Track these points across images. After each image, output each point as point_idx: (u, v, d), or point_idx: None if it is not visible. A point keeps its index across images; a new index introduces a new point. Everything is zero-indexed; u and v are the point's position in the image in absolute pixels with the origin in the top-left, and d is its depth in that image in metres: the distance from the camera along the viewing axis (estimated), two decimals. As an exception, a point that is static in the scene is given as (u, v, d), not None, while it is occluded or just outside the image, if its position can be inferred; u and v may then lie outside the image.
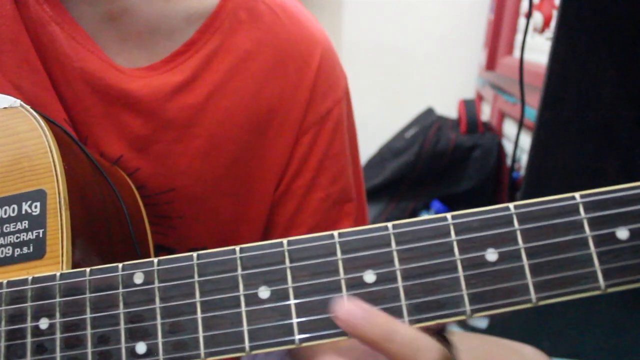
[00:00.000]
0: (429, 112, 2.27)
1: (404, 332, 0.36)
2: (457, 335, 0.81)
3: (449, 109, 2.29)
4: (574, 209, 0.36)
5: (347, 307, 0.37)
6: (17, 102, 0.53)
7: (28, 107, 0.53)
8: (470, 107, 2.12)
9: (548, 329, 1.38)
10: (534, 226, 0.36)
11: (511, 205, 0.37)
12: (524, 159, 1.75)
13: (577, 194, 0.36)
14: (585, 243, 0.35)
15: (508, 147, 2.02)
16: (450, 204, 2.03)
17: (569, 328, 1.38)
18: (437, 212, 2.01)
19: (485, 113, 2.29)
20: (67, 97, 0.62)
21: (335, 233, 0.39)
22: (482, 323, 1.56)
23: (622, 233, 0.35)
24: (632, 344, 1.37)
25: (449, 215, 0.38)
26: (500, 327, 1.38)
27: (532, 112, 1.44)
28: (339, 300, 0.37)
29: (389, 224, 0.38)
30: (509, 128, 2.04)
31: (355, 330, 0.36)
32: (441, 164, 2.01)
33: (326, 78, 0.71)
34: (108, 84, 0.62)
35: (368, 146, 2.19)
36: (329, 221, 0.72)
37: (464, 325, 1.58)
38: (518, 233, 0.37)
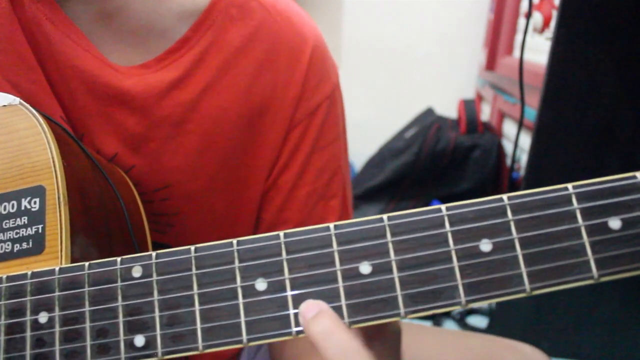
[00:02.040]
0: (429, 112, 2.27)
1: (340, 335, 0.37)
2: (456, 334, 0.81)
3: (449, 109, 2.29)
4: (566, 200, 0.36)
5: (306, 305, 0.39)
6: (16, 99, 0.53)
7: (27, 104, 0.53)
8: (470, 107, 2.12)
9: (548, 329, 1.38)
10: (528, 217, 0.37)
11: (505, 196, 0.37)
12: (523, 159, 1.76)
13: (569, 185, 0.36)
14: (578, 233, 0.36)
15: (508, 147, 2.03)
16: (450, 204, 2.03)
17: (569, 328, 1.38)
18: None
19: (485, 113, 2.29)
20: (62, 95, 0.63)
21: (331, 225, 0.39)
22: (482, 323, 1.56)
23: (615, 223, 0.35)
24: (632, 344, 1.37)
25: (443, 206, 0.38)
26: (500, 327, 1.38)
27: (532, 112, 1.44)
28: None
29: (384, 216, 0.39)
30: (509, 128, 2.04)
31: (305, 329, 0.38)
32: (441, 164, 2.02)
33: (316, 73, 0.72)
34: (103, 82, 0.62)
35: (368, 146, 2.20)
36: (315, 217, 0.73)
37: (463, 324, 1.59)
38: (512, 223, 0.37)
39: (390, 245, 0.38)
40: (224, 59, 0.66)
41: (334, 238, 0.39)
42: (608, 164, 1.24)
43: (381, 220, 0.39)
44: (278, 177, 0.72)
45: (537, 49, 1.69)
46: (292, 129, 0.70)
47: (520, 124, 1.33)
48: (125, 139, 0.64)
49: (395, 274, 0.38)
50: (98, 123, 0.64)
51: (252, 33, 0.68)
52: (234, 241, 0.40)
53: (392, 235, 0.38)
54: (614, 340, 1.39)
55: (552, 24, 1.50)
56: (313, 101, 0.71)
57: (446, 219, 0.38)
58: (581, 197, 0.36)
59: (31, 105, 0.53)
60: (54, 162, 0.51)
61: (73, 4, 0.62)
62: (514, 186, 1.68)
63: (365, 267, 0.38)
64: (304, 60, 0.70)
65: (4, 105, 0.53)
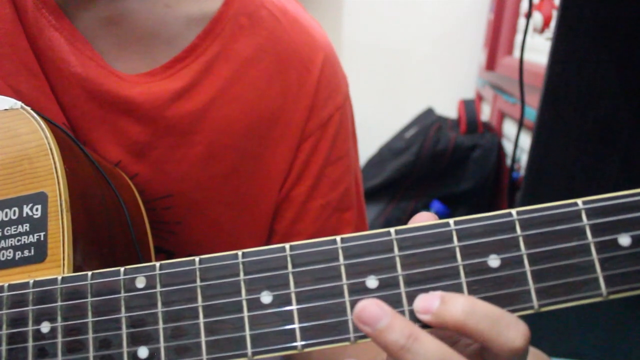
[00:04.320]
0: (429, 112, 2.27)
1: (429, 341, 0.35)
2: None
3: (449, 109, 2.29)
4: (576, 216, 0.36)
5: (372, 309, 0.36)
6: (18, 104, 0.53)
7: (29, 108, 0.53)
8: (470, 107, 2.11)
9: (548, 329, 1.38)
10: (537, 232, 0.36)
11: (514, 211, 0.37)
12: (523, 159, 1.75)
13: (579, 201, 0.36)
14: (588, 249, 0.36)
15: (508, 147, 2.02)
16: (450, 204, 2.03)
17: (569, 328, 1.38)
18: (437, 212, 2.00)
19: (485, 113, 2.28)
20: (65, 102, 0.62)
21: (338, 238, 0.39)
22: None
23: (624, 240, 0.35)
24: (632, 344, 1.37)
25: (451, 221, 0.38)
26: (500, 328, 1.38)
27: (532, 112, 1.44)
28: (361, 303, 0.37)
29: (392, 230, 0.38)
30: (509, 128, 2.04)
31: (376, 335, 0.36)
32: (441, 164, 2.01)
33: (327, 84, 0.71)
34: (106, 91, 0.62)
35: (368, 146, 2.19)
36: (329, 229, 0.72)
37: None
38: (520, 239, 0.37)
39: (398, 260, 0.38)
40: (233, 69, 0.65)
41: (340, 251, 0.39)
42: (608, 164, 1.23)
43: (388, 234, 0.38)
44: (290, 190, 0.71)
45: (537, 49, 1.68)
46: (303, 140, 0.70)
47: (520, 124, 1.32)
48: (128, 147, 0.64)
49: (402, 288, 0.38)
50: (101, 131, 0.63)
51: (261, 43, 0.67)
52: (239, 253, 0.40)
53: (400, 249, 0.38)
54: (615, 341, 1.39)
55: (552, 24, 1.50)
56: (325, 112, 0.70)
57: (454, 233, 0.38)
58: (591, 213, 0.36)
59: (32, 110, 0.53)
60: (56, 168, 0.50)
61: (77, 10, 0.61)
62: (514, 186, 1.68)
63: (372, 282, 0.38)
64: (315, 70, 0.69)
65: (6, 109, 0.53)
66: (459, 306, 0.35)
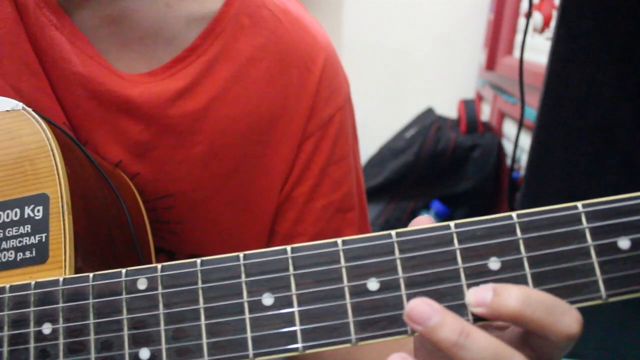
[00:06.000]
0: (429, 112, 2.27)
1: (481, 336, 0.35)
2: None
3: (449, 109, 2.29)
4: (576, 219, 0.36)
5: (422, 308, 0.36)
6: (20, 104, 0.53)
7: (30, 110, 0.53)
8: (470, 107, 2.11)
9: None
10: (537, 235, 0.37)
11: (514, 214, 0.37)
12: (523, 159, 1.75)
13: (579, 204, 0.36)
14: (587, 252, 0.36)
15: (508, 147, 2.02)
16: (450, 204, 2.03)
17: (569, 328, 1.38)
18: (437, 212, 2.00)
19: (485, 113, 2.28)
20: (66, 101, 0.62)
21: (339, 240, 0.39)
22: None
23: (624, 243, 0.35)
24: (633, 344, 1.37)
25: (452, 223, 0.38)
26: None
27: (532, 112, 1.44)
28: (411, 302, 0.36)
29: (393, 232, 0.39)
30: (509, 128, 2.04)
31: (428, 333, 0.36)
32: (441, 164, 2.01)
33: (329, 84, 0.71)
34: (108, 90, 0.62)
35: (368, 146, 2.19)
36: (331, 230, 0.72)
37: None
38: (521, 242, 0.37)
39: (399, 262, 0.38)
40: (234, 69, 0.65)
41: (341, 254, 0.39)
42: (608, 164, 1.23)
43: (390, 236, 0.38)
44: (292, 190, 0.71)
45: (537, 49, 1.68)
46: (304, 140, 0.70)
47: (520, 124, 1.32)
48: (129, 147, 0.64)
49: (403, 291, 0.38)
50: (102, 130, 0.63)
51: (263, 43, 0.67)
52: (241, 255, 0.40)
53: (401, 251, 0.38)
54: (614, 341, 1.39)
55: (552, 24, 1.50)
56: (326, 112, 0.70)
57: (455, 236, 0.38)
58: (590, 216, 0.36)
59: (34, 111, 0.53)
60: (57, 169, 0.50)
61: (79, 10, 0.61)
62: (514, 186, 1.68)
63: (373, 284, 0.38)
64: (316, 70, 0.69)
65: (7, 110, 0.53)
66: (513, 296, 0.35)
